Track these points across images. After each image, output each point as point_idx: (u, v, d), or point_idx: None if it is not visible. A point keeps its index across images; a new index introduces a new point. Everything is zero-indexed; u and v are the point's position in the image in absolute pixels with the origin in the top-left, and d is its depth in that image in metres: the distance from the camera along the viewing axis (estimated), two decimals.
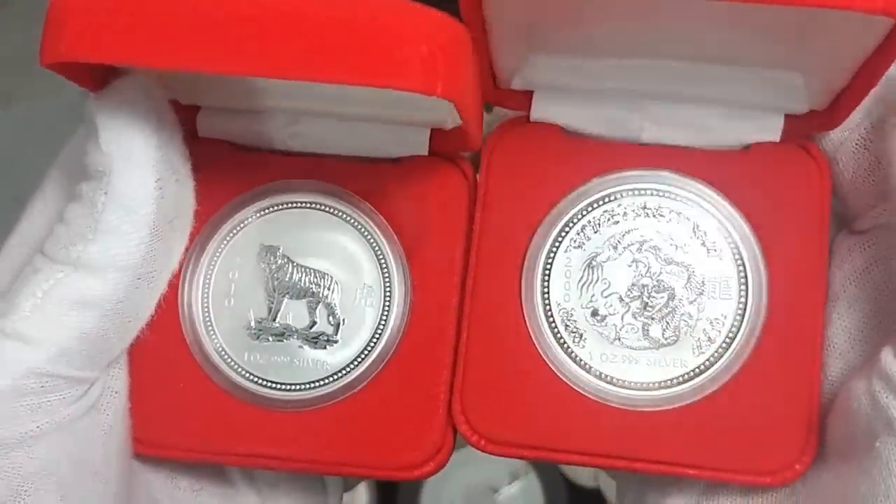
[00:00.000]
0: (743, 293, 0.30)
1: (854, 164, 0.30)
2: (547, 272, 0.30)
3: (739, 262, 0.30)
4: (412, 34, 0.24)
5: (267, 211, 0.31)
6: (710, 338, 0.29)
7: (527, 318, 0.30)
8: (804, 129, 0.30)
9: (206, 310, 0.30)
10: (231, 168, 0.31)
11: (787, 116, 0.30)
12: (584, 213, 0.30)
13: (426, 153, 0.31)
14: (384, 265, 0.31)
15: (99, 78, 0.27)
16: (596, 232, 0.30)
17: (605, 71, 0.31)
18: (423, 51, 0.24)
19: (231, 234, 0.31)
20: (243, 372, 0.30)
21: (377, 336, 0.30)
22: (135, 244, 0.27)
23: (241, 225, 0.31)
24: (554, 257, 0.30)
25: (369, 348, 0.30)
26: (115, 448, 0.29)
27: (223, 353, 0.30)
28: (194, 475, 0.31)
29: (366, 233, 0.31)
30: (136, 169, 0.27)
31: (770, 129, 0.30)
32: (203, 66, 0.24)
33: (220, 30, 0.24)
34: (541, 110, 0.31)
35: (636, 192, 0.30)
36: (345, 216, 0.31)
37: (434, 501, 0.66)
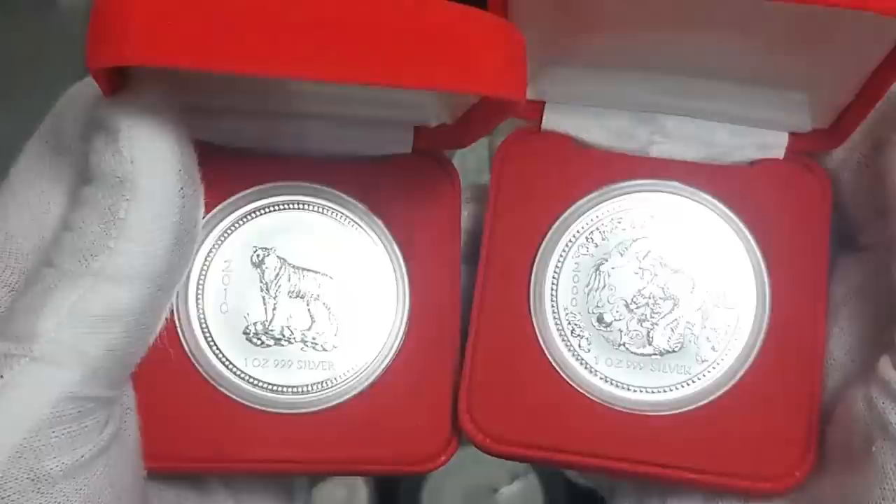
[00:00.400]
0: (747, 303, 0.30)
1: (855, 182, 0.31)
2: (555, 277, 0.31)
3: (744, 272, 0.31)
4: (491, 40, 0.25)
5: (257, 213, 0.31)
6: (713, 346, 0.30)
7: (534, 321, 0.31)
8: (808, 146, 0.31)
9: (201, 316, 0.30)
10: (216, 171, 0.29)
11: (792, 134, 0.31)
12: (593, 220, 0.31)
13: (410, 151, 0.31)
14: (381, 263, 0.31)
15: (114, 81, 0.26)
16: (604, 239, 0.31)
17: (617, 84, 0.31)
18: (505, 56, 0.25)
19: (221, 239, 0.30)
20: (245, 377, 0.30)
21: (379, 335, 0.30)
22: (160, 252, 0.26)
23: (231, 229, 0.30)
24: (563, 262, 0.31)
25: (372, 347, 0.30)
26: (138, 469, 0.28)
27: (223, 359, 0.30)
28: (179, 486, 0.31)
29: (360, 231, 0.31)
30: (162, 176, 0.26)
31: (774, 147, 0.31)
32: (291, 73, 0.24)
33: (304, 33, 0.23)
34: (552, 121, 0.32)
35: (645, 201, 0.31)
36: (337, 215, 0.31)
37: (434, 501, 0.67)
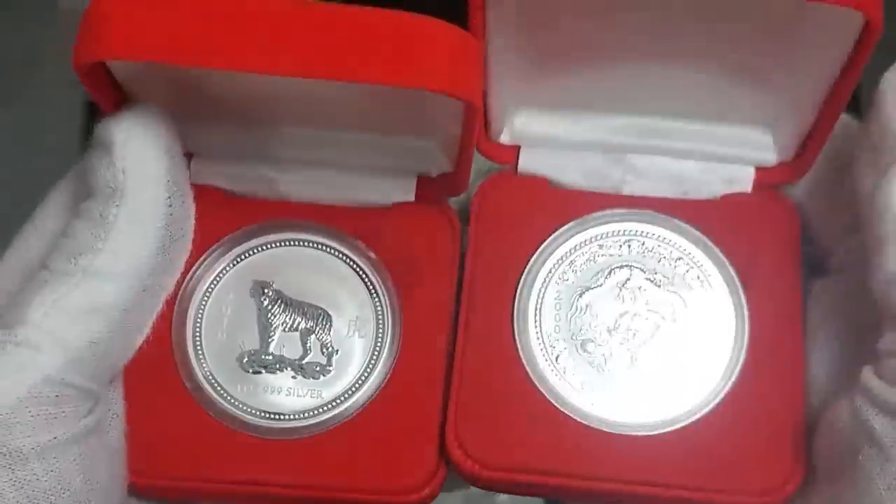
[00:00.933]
0: (726, 324, 0.31)
1: (823, 207, 0.32)
2: (538, 305, 0.31)
3: (721, 294, 0.31)
4: (436, 40, 0.27)
5: (261, 248, 0.32)
6: (695, 366, 0.30)
7: (520, 349, 0.31)
8: (774, 179, 0.33)
9: (197, 342, 0.31)
10: (224, 209, 0.32)
11: (758, 168, 0.33)
12: (574, 249, 0.32)
13: (412, 200, 0.33)
14: (375, 298, 0.32)
15: (115, 101, 0.29)
16: (584, 266, 0.32)
17: (590, 126, 0.33)
18: (456, 58, 0.27)
19: (225, 271, 0.32)
20: (235, 402, 0.30)
21: (370, 366, 0.31)
22: (145, 254, 0.28)
23: (235, 261, 0.32)
24: (545, 290, 0.31)
25: (362, 378, 0.31)
26: (118, 472, 0.29)
27: (214, 383, 0.31)
28: None
29: (357, 267, 0.32)
30: (150, 185, 0.28)
31: (741, 181, 0.33)
32: (243, 67, 0.26)
33: (262, 30, 0.25)
34: (528, 163, 0.33)
35: (623, 229, 0.32)
36: (336, 252, 0.32)
37: (433, 502, 0.64)
